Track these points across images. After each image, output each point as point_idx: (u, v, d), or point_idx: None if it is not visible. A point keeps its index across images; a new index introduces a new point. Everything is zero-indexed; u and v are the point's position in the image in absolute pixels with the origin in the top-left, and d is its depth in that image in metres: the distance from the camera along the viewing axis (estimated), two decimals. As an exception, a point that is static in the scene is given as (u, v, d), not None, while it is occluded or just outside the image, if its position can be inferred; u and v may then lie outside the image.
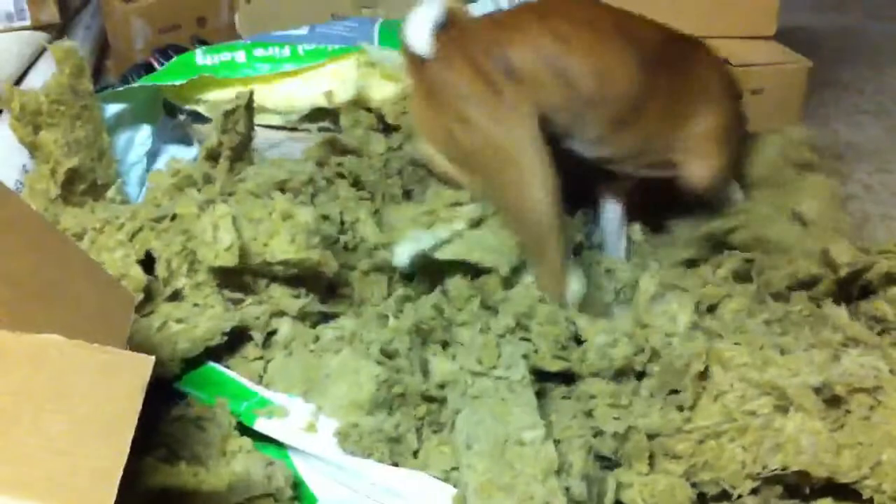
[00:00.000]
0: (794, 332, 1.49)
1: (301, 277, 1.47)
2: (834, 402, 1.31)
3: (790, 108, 2.13)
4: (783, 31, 2.25)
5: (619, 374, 1.44)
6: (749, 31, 2.18)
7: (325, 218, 1.54)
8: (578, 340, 1.47)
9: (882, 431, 1.28)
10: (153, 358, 0.98)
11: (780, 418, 1.28)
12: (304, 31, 2.12)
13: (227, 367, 1.42)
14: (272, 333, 1.47)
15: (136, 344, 1.31)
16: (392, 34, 2.03)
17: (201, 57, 1.98)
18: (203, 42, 2.38)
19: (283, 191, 1.55)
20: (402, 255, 1.51)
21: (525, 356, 1.40)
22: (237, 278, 1.45)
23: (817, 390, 1.29)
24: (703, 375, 1.36)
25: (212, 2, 2.56)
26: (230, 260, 1.38)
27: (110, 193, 1.67)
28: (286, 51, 1.96)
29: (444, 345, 1.46)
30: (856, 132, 2.64)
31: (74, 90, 1.64)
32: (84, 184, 1.63)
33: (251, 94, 1.62)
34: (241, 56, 1.96)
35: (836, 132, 2.63)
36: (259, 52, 1.96)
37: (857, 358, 1.40)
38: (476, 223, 1.51)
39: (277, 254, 1.41)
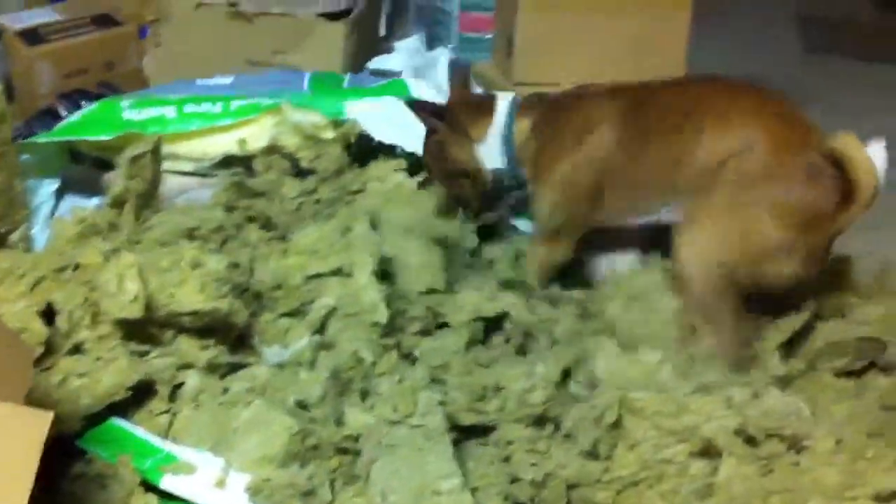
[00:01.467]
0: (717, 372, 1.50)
1: (210, 328, 1.43)
2: (755, 444, 1.32)
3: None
4: (693, 73, 2.30)
5: (539, 421, 1.42)
6: (660, 74, 2.21)
7: (236, 266, 1.50)
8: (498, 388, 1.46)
9: (810, 478, 1.28)
10: (52, 414, 0.94)
11: (696, 464, 1.28)
12: (228, 80, 2.09)
13: (133, 422, 1.37)
14: (179, 386, 1.42)
15: (36, 399, 1.24)
16: (324, 85, 2.01)
17: (128, 111, 1.92)
18: (110, 87, 2.33)
19: (191, 238, 1.51)
20: (271, 356, 1.49)
21: (442, 403, 1.38)
22: (143, 330, 1.40)
23: (737, 432, 1.30)
24: (618, 425, 1.35)
25: (119, 46, 2.51)
26: (136, 312, 1.33)
27: (14, 237, 1.61)
28: (218, 107, 1.92)
29: (364, 395, 1.43)
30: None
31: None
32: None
33: (158, 140, 1.58)
34: (170, 112, 1.91)
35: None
36: (190, 108, 1.91)
37: (779, 398, 1.42)
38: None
39: (186, 304, 1.37)
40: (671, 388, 1.38)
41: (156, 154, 1.58)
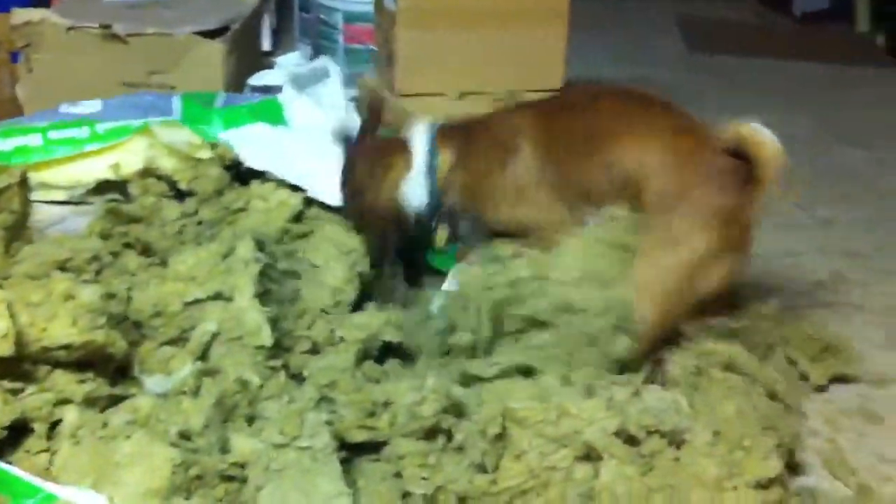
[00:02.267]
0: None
1: (87, 361, 1.39)
2: (636, 443, 1.35)
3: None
4: (573, 81, 2.34)
5: (430, 434, 1.42)
6: (539, 85, 2.25)
7: (112, 296, 1.46)
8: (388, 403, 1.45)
9: (689, 472, 1.32)
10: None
11: (581, 468, 1.30)
12: (97, 106, 2.03)
13: (9, 462, 1.32)
14: (58, 423, 1.38)
15: None
16: (195, 106, 1.98)
17: None
18: (-18, 116, 2.26)
19: (64, 270, 1.47)
20: (153, 385, 1.46)
21: (329, 422, 1.37)
22: (16, 367, 1.36)
23: (617, 433, 1.32)
24: (502, 436, 1.36)
25: (-9, 73, 2.44)
26: (5, 349, 1.29)
27: None
28: (84, 131, 1.87)
29: (251, 420, 1.41)
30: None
31: None
32: None
33: (24, 171, 1.54)
34: (35, 140, 1.85)
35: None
36: (55, 134, 1.86)
37: (658, 393, 1.45)
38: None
39: (58, 338, 1.33)
40: (554, 395, 1.40)
41: (23, 185, 1.54)
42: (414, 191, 1.74)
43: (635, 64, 3.82)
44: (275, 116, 1.96)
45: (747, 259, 1.61)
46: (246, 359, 1.46)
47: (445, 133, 1.75)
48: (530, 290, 1.56)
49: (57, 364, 1.38)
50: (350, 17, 2.97)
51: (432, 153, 1.72)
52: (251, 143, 1.85)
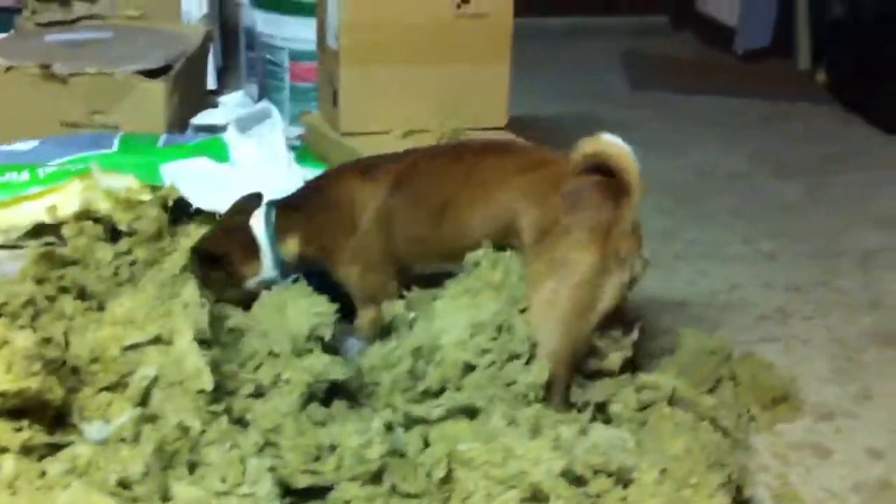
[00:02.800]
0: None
1: (23, 409, 1.35)
2: (583, 482, 1.34)
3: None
4: (519, 119, 2.36)
5: (376, 477, 1.40)
6: (483, 123, 2.26)
7: (48, 340, 1.43)
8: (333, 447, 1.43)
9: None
10: None
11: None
12: (31, 145, 2.00)
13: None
14: (-8, 473, 1.33)
15: None
16: (134, 146, 1.96)
17: None
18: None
19: (-2, 316, 1.43)
20: (93, 433, 1.42)
21: (272, 469, 1.34)
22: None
23: (564, 474, 1.31)
24: (448, 479, 1.34)
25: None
26: None
27: None
28: (25, 175, 1.84)
29: (192, 467, 1.38)
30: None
31: None
32: None
33: None
34: None
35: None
36: None
37: (604, 431, 1.45)
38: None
39: None
40: (500, 435, 1.38)
41: None
42: (264, 274, 1.76)
43: (579, 101, 3.86)
44: (219, 154, 1.94)
45: (641, 265, 1.60)
46: (187, 403, 1.42)
47: (286, 217, 1.76)
48: (431, 357, 1.55)
49: (-9, 412, 1.34)
50: (296, 56, 2.96)
51: (273, 242, 1.74)
52: (194, 179, 1.83)
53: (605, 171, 1.54)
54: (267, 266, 1.75)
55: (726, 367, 1.75)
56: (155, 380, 1.44)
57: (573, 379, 1.59)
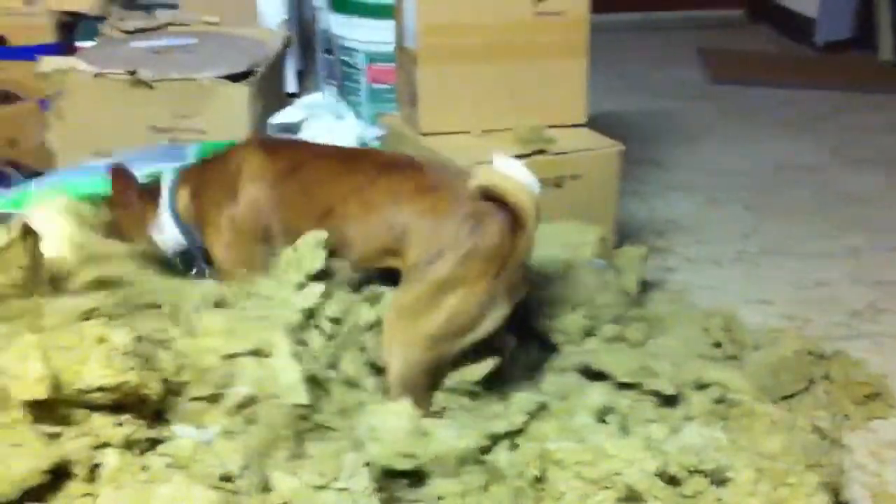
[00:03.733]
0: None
1: (123, 404, 1.39)
2: (678, 482, 1.33)
3: (607, 191, 2.20)
4: (595, 116, 2.35)
5: (462, 462, 1.41)
6: (562, 120, 2.26)
7: (141, 339, 1.46)
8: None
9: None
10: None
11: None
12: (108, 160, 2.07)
13: (49, 509, 1.32)
14: (97, 467, 1.37)
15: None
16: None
17: None
18: (15, 164, 2.29)
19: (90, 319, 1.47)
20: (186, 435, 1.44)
21: (367, 464, 1.36)
22: (52, 411, 1.35)
23: (658, 474, 1.30)
24: (541, 479, 1.34)
25: (22, 122, 2.48)
26: (41, 392, 1.28)
27: None
28: None
29: (292, 457, 1.40)
30: (672, 208, 2.77)
31: None
32: None
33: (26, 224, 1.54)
34: None
35: (654, 209, 2.75)
36: None
37: (697, 430, 1.43)
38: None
39: (92, 380, 1.32)
40: (589, 433, 1.38)
41: (27, 238, 1.52)
42: (163, 230, 1.81)
43: (656, 96, 3.84)
44: None
45: (519, 296, 1.55)
46: (281, 417, 1.44)
47: (188, 172, 1.82)
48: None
49: (94, 407, 1.37)
50: (373, 58, 3.00)
51: (173, 194, 1.80)
52: None
53: None
54: (166, 219, 1.79)
55: (820, 366, 1.73)
56: (252, 398, 1.46)
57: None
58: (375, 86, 3.03)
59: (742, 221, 2.65)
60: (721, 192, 2.88)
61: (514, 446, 1.44)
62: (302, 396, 1.44)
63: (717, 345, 1.84)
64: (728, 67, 4.24)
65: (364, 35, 3.00)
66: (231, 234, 1.72)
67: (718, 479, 1.34)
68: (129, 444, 1.38)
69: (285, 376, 1.46)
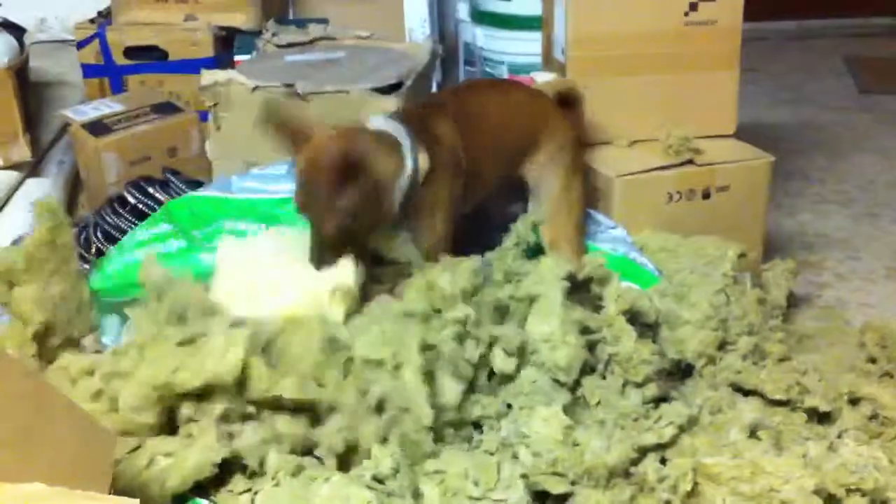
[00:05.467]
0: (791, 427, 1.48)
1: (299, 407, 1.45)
2: (837, 501, 1.30)
3: (756, 202, 2.17)
4: (743, 127, 2.31)
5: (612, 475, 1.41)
6: (711, 131, 2.23)
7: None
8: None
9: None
10: (136, 501, 0.96)
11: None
12: (282, 169, 2.14)
13: (214, 501, 1.38)
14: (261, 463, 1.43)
15: (123, 485, 1.27)
16: None
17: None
18: (174, 172, 2.40)
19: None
20: None
21: (524, 476, 1.37)
22: (239, 407, 1.42)
23: (816, 492, 1.28)
24: (692, 493, 1.33)
25: (182, 132, 2.60)
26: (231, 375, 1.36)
27: (86, 342, 1.65)
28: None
29: (430, 456, 1.42)
30: (823, 221, 2.69)
31: (53, 245, 1.59)
32: (59, 338, 1.59)
33: None
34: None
35: (803, 223, 2.68)
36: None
37: (855, 448, 1.40)
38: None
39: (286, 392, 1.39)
40: (743, 449, 1.36)
41: None
42: (400, 193, 1.64)
43: (804, 106, 3.73)
44: None
45: None
46: (412, 429, 1.46)
47: (416, 132, 1.67)
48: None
49: (276, 408, 1.44)
50: (514, 69, 3.04)
51: (415, 153, 1.64)
52: None
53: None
54: (404, 177, 1.62)
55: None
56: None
57: None
58: (517, 97, 3.06)
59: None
60: (874, 205, 2.79)
61: (663, 459, 1.44)
62: (427, 418, 1.42)
63: (873, 360, 1.79)
64: (878, 76, 4.09)
65: (507, 47, 3.04)
66: (446, 194, 1.72)
67: (879, 500, 1.31)
68: (294, 444, 1.44)
69: (413, 394, 1.45)
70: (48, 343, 1.58)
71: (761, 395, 1.60)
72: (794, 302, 2.12)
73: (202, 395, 1.39)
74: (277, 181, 2.01)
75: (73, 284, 1.63)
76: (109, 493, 1.09)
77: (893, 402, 1.55)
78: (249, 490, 1.40)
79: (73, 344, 1.62)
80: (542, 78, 2.20)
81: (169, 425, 1.41)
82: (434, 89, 3.31)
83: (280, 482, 1.41)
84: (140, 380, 1.38)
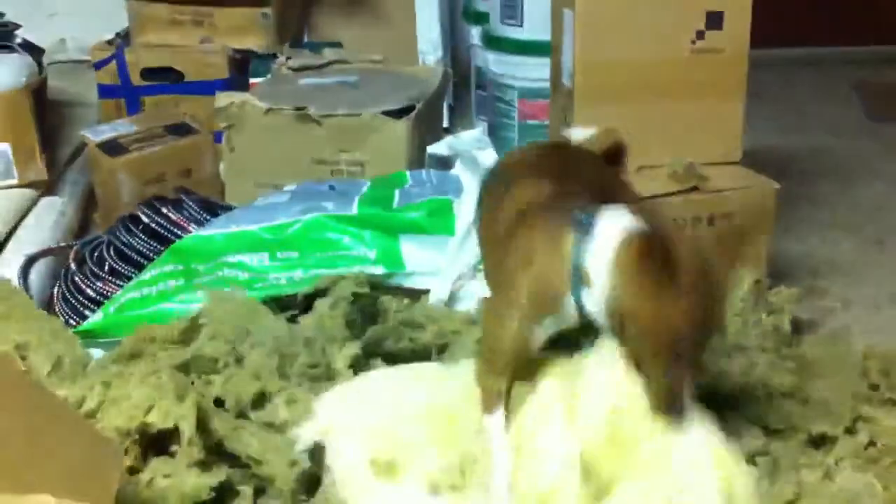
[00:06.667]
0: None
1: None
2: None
3: (762, 229, 2.18)
4: (750, 153, 2.33)
5: None
6: (717, 158, 2.25)
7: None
8: None
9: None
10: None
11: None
12: (285, 197, 2.19)
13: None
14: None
15: (124, 500, 1.29)
16: (371, 208, 2.07)
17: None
18: (187, 192, 2.43)
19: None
20: None
21: None
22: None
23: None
24: None
25: (196, 153, 2.63)
26: None
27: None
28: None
29: None
30: (830, 248, 2.70)
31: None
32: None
33: None
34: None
35: (810, 248, 2.69)
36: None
37: (851, 474, 1.41)
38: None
39: None
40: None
41: None
42: None
43: (813, 132, 3.75)
44: (446, 219, 2.04)
45: None
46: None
47: None
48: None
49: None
50: (525, 94, 3.06)
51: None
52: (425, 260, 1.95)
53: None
54: None
55: None
56: None
57: None
58: (526, 122, 3.09)
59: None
60: (882, 233, 2.80)
61: None
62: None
63: (875, 387, 1.79)
64: (886, 103, 4.10)
65: (517, 71, 3.07)
66: None
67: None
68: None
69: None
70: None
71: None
72: (798, 328, 2.13)
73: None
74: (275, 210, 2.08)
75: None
76: (113, 507, 1.11)
77: (893, 430, 1.56)
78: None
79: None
80: (581, 134, 1.74)
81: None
82: (445, 113, 3.35)
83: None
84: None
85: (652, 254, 1.17)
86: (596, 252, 1.23)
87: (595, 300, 1.24)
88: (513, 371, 1.36)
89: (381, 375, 1.57)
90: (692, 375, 1.24)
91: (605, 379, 1.29)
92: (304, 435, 1.44)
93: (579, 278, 1.24)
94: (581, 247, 1.24)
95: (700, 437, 1.27)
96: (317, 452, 1.42)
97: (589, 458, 1.27)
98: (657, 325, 1.18)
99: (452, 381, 1.48)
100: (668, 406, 1.23)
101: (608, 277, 1.21)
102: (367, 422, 1.43)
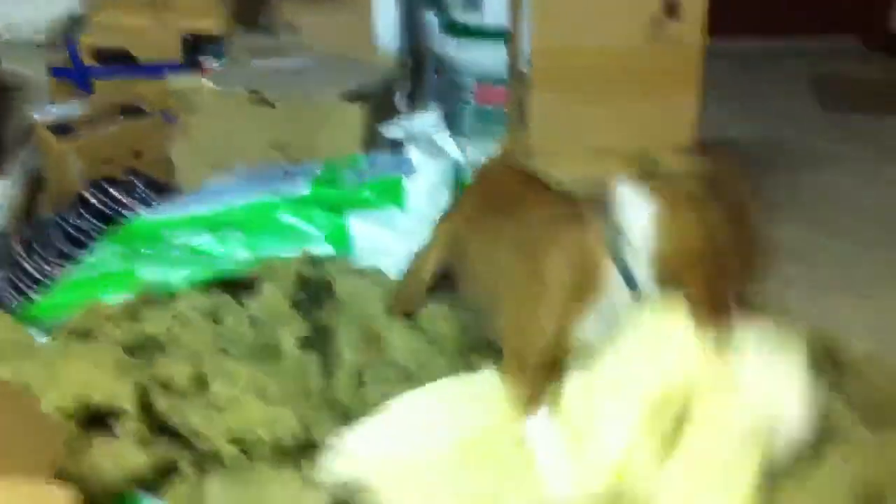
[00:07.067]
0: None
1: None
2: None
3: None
4: (705, 142, 2.35)
5: None
6: (670, 145, 2.27)
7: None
8: None
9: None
10: (74, 493, 0.97)
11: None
12: (229, 182, 2.18)
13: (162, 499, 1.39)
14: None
15: (66, 476, 1.28)
16: (324, 189, 2.07)
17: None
18: (136, 173, 2.40)
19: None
20: None
21: None
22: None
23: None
24: None
25: (146, 135, 2.60)
26: None
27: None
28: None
29: None
30: (781, 234, 2.72)
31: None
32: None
33: None
34: None
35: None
36: None
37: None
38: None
39: None
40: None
41: None
42: None
43: (768, 123, 3.79)
44: (397, 198, 2.04)
45: None
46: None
47: None
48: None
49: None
50: (482, 79, 3.05)
51: None
52: (375, 236, 1.96)
53: None
54: None
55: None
56: None
57: None
58: (482, 106, 3.08)
59: (855, 250, 2.60)
60: (832, 220, 2.83)
61: None
62: None
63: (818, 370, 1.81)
64: (842, 96, 4.16)
65: (473, 57, 3.06)
66: None
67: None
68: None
69: None
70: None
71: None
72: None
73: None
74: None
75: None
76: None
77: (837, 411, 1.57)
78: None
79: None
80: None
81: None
82: (402, 99, 3.33)
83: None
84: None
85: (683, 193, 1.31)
86: (633, 206, 1.32)
87: (639, 254, 1.29)
88: (551, 368, 1.36)
89: (406, 409, 1.47)
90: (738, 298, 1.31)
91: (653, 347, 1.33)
92: (334, 471, 1.39)
93: (619, 241, 1.30)
94: (615, 212, 1.32)
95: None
96: (346, 490, 1.38)
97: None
98: (699, 233, 1.28)
99: (478, 404, 1.43)
100: (717, 314, 1.28)
101: (650, 221, 1.30)
102: (397, 462, 1.39)
